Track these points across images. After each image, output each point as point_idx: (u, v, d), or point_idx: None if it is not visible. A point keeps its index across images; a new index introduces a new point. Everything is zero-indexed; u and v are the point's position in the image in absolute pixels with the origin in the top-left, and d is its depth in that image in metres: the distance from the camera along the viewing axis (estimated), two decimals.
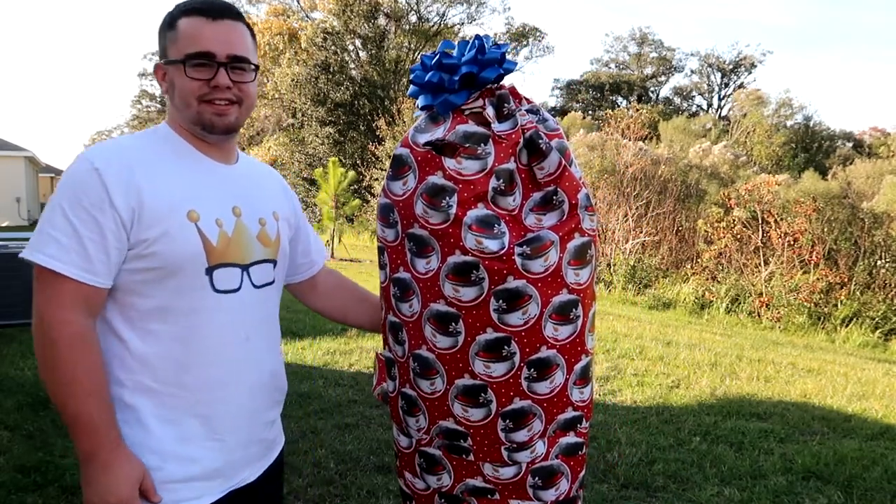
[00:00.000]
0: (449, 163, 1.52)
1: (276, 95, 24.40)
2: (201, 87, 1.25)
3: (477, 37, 1.57)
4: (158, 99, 47.11)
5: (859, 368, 6.42)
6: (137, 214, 1.19)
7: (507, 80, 1.65)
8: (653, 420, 4.12)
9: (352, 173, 13.89)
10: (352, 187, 15.45)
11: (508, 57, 1.61)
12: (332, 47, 23.15)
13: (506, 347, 1.49)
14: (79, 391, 1.16)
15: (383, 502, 2.93)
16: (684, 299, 10.78)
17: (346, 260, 13.03)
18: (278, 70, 24.38)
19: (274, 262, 1.41)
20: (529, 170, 1.54)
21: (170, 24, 1.27)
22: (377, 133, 20.52)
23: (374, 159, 20.23)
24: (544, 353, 1.51)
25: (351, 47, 24.54)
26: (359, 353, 5.42)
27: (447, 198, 1.51)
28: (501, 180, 1.51)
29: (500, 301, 1.47)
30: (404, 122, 19.49)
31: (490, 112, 1.53)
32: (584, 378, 1.59)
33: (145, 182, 1.20)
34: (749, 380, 5.33)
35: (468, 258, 1.47)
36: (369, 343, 5.75)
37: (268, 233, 1.39)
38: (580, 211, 1.52)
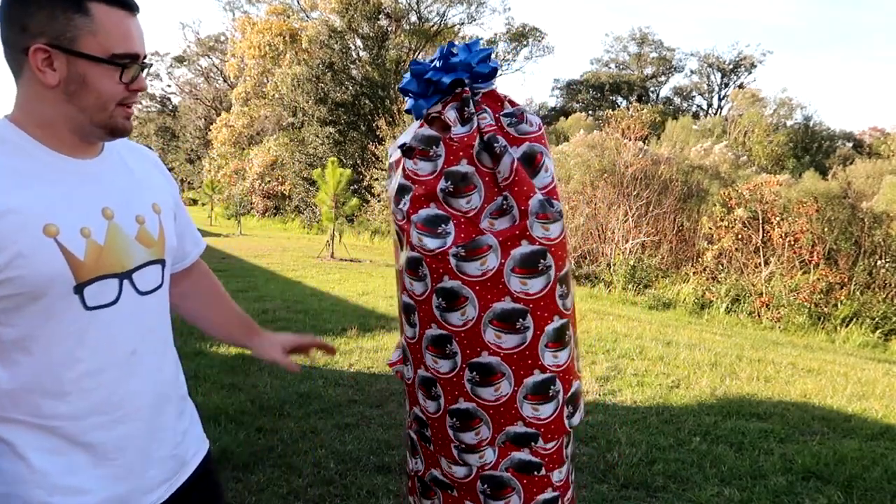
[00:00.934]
0: (408, 164, 1.60)
1: (277, 95, 24.40)
2: (123, 91, 1.12)
3: (451, 43, 1.64)
4: (158, 99, 47.05)
5: (859, 368, 6.42)
6: None
7: (507, 82, 1.69)
8: (653, 420, 4.12)
9: (348, 172, 13.88)
10: (351, 187, 15.44)
11: (497, 59, 1.66)
12: (337, 46, 23.16)
13: (448, 346, 1.53)
14: None
15: (383, 502, 2.94)
16: (684, 299, 10.78)
17: (345, 260, 13.03)
18: (279, 70, 24.37)
19: (162, 261, 1.26)
20: (493, 173, 1.56)
21: (75, 4, 1.06)
22: (377, 133, 20.55)
23: (373, 159, 20.26)
24: (486, 358, 1.51)
25: (353, 46, 24.55)
26: (359, 353, 5.42)
27: (405, 196, 1.59)
28: (450, 182, 1.54)
29: (440, 299, 1.52)
30: (404, 122, 19.52)
31: (451, 116, 1.58)
32: (540, 395, 1.54)
33: None
34: (749, 380, 5.33)
35: (414, 254, 1.54)
36: (369, 343, 5.75)
37: (149, 231, 1.22)
38: (530, 217, 1.50)
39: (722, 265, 11.51)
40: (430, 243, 1.51)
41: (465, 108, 1.57)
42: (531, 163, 1.54)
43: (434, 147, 1.57)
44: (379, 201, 19.19)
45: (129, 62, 1.11)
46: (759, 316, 10.18)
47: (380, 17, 23.89)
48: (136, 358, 1.19)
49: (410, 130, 1.66)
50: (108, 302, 1.14)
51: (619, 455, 3.50)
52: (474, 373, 1.52)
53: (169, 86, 45.55)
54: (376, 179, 19.52)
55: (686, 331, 7.80)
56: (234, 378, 4.55)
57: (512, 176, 1.52)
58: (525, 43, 32.90)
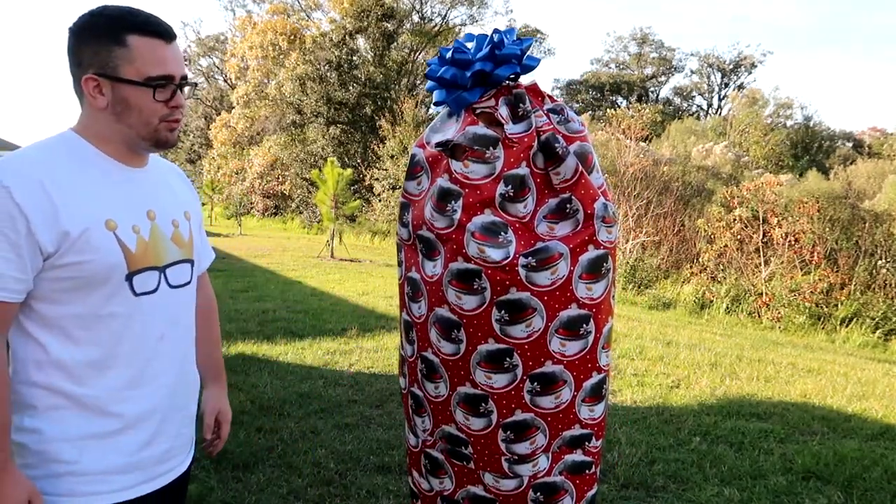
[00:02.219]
0: (455, 166, 1.46)
1: (279, 96, 24.37)
2: (163, 108, 1.28)
3: (496, 31, 1.51)
4: None
5: (859, 368, 6.42)
6: (53, 229, 1.18)
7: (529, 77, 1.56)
8: (653, 420, 4.12)
9: (349, 172, 13.88)
10: (352, 187, 15.42)
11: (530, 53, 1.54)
12: (345, 47, 23.13)
13: (507, 359, 1.45)
14: None
15: (383, 502, 2.94)
16: (684, 299, 10.78)
17: (345, 260, 13.03)
18: (283, 70, 24.34)
19: (191, 261, 1.43)
20: (545, 174, 1.46)
21: (115, 38, 1.24)
22: (379, 132, 20.55)
23: (375, 159, 20.25)
24: (549, 367, 1.46)
25: (360, 48, 24.49)
26: (359, 353, 5.42)
27: (452, 202, 1.45)
28: (510, 186, 1.44)
29: (502, 312, 1.42)
30: (406, 122, 19.52)
31: (503, 112, 1.47)
32: (596, 396, 1.53)
33: (58, 195, 1.20)
34: (749, 380, 5.33)
35: (470, 266, 1.42)
36: (369, 343, 5.75)
37: (181, 233, 1.41)
38: (596, 221, 1.45)
39: (722, 265, 11.50)
40: (495, 254, 1.41)
41: (521, 105, 1.46)
42: (584, 163, 1.47)
43: (491, 149, 1.44)
44: (380, 201, 19.18)
45: (164, 83, 1.27)
46: (759, 316, 10.18)
47: (389, 20, 23.85)
48: (163, 343, 1.36)
49: (448, 127, 1.53)
50: (150, 290, 1.32)
51: (619, 455, 3.50)
52: (535, 383, 1.46)
53: None
54: (377, 179, 19.51)
55: (686, 331, 7.80)
56: (234, 378, 4.55)
57: (575, 178, 1.44)
58: (531, 42, 32.78)
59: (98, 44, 1.25)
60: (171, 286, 1.36)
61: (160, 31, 1.27)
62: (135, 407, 1.31)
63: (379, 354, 5.37)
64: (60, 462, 1.24)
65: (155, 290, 1.32)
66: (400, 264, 1.65)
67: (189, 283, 1.42)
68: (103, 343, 1.26)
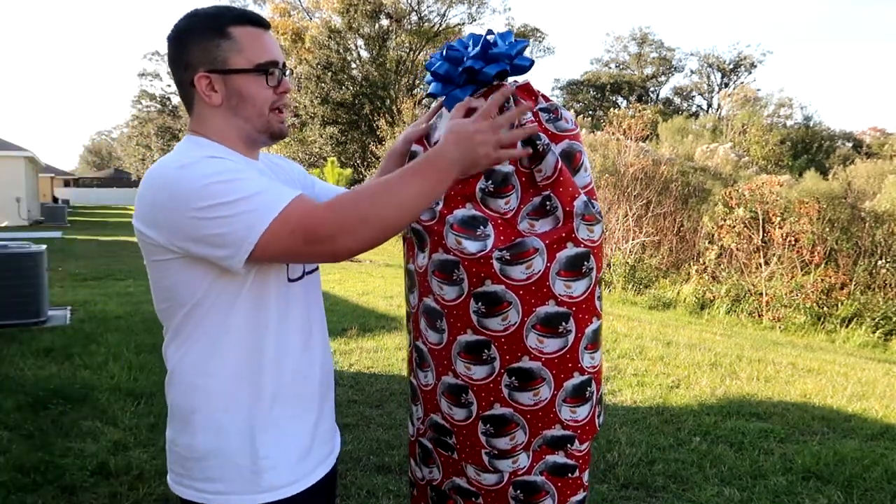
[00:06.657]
0: None
1: None
2: (273, 95, 1.29)
3: (490, 31, 1.53)
4: (158, 99, 47.25)
5: (859, 368, 6.42)
6: None
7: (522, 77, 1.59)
8: (653, 420, 4.12)
9: (348, 171, 13.90)
10: (351, 187, 15.40)
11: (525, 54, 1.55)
12: (336, 46, 23.16)
13: (486, 351, 1.46)
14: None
15: (383, 502, 2.93)
16: (684, 299, 10.78)
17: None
18: None
19: None
20: (530, 172, 1.48)
21: (220, 31, 1.25)
22: (378, 133, 20.56)
23: (374, 159, 20.26)
24: (527, 363, 1.46)
25: (353, 46, 24.52)
26: (359, 353, 5.42)
27: None
28: (490, 181, 1.47)
29: (479, 303, 1.45)
30: (404, 122, 19.53)
31: None
32: (579, 398, 1.53)
33: None
34: (749, 380, 5.33)
35: (450, 257, 1.46)
36: (369, 343, 5.75)
37: None
38: (575, 219, 1.46)
39: (722, 265, 11.50)
40: (471, 246, 1.44)
41: (507, 104, 1.48)
42: (571, 161, 1.49)
43: None
44: None
45: (272, 68, 1.28)
46: (760, 316, 10.18)
47: (380, 16, 23.86)
48: (313, 328, 1.39)
49: (440, 123, 1.55)
50: (297, 277, 1.34)
51: (619, 455, 3.50)
52: (513, 378, 1.47)
53: (169, 86, 45.52)
54: None
55: (686, 331, 7.80)
56: None
57: (555, 175, 1.46)
58: (526, 44, 32.78)
59: (203, 40, 1.26)
60: (306, 272, 1.38)
61: (258, 20, 1.30)
62: (307, 388, 1.36)
63: (379, 354, 5.37)
64: (250, 458, 1.26)
65: (301, 277, 1.35)
66: (405, 256, 1.71)
67: (316, 269, 1.44)
68: (275, 333, 1.28)
